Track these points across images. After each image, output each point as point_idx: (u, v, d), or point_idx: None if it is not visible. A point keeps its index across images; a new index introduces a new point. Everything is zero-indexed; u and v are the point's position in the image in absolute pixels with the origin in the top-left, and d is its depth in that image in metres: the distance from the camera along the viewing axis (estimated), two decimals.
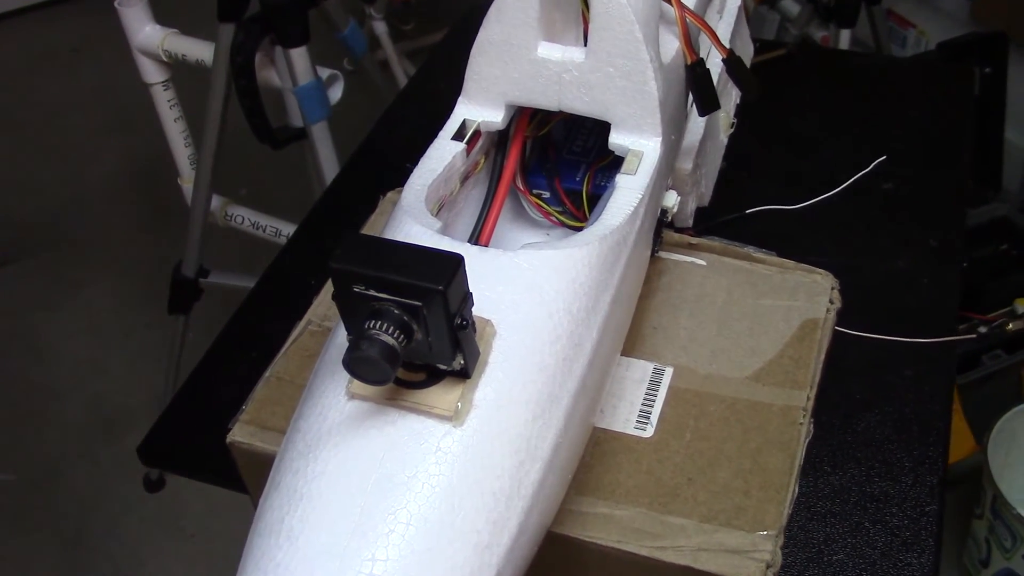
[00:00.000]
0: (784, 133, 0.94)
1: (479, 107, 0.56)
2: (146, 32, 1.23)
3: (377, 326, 0.39)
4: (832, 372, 0.71)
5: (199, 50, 1.21)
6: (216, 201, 1.34)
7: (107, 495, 1.61)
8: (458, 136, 0.55)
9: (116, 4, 1.22)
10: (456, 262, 0.40)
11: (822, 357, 0.55)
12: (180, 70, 1.28)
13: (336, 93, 1.17)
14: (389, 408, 0.43)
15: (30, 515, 1.59)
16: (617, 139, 0.54)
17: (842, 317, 0.73)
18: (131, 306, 1.88)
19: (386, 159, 0.93)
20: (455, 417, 0.42)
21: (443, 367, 0.42)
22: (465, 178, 0.56)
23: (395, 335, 0.39)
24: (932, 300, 0.78)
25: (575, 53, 0.53)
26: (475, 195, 0.58)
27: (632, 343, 0.57)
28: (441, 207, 0.54)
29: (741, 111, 0.86)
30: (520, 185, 0.60)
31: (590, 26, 0.52)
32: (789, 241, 0.82)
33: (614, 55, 0.52)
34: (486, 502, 0.42)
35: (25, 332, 1.86)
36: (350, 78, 1.20)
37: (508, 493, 0.42)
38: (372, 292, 0.40)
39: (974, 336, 0.72)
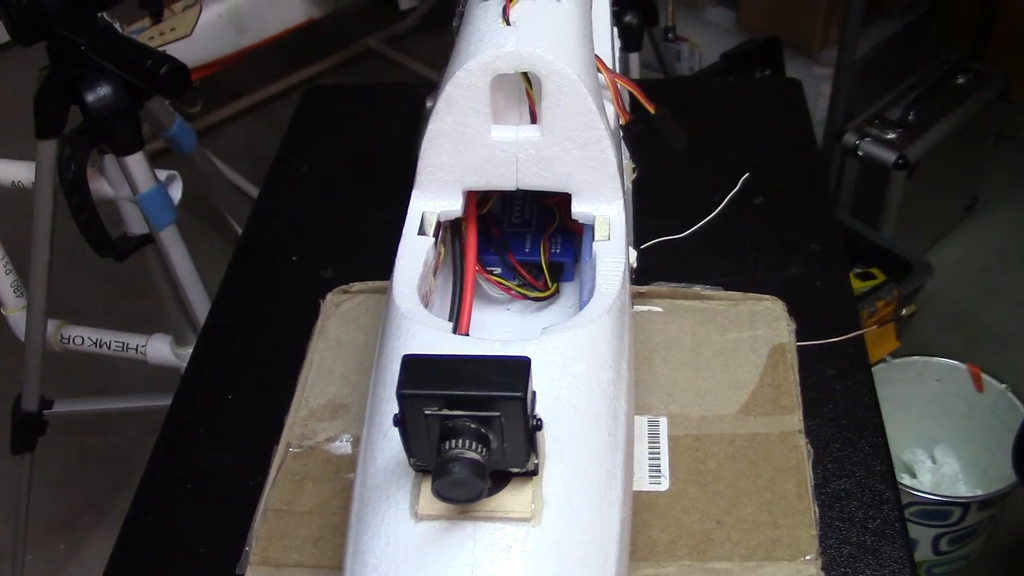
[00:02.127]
0: (653, 166, 0.98)
1: (436, 197, 0.56)
2: None
3: (458, 444, 0.39)
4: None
5: (14, 171, 1.13)
6: (50, 325, 1.25)
7: None
8: (422, 231, 0.55)
9: None
10: (526, 366, 0.39)
11: (797, 377, 0.58)
12: None
13: (176, 193, 1.12)
14: (463, 522, 0.42)
15: None
16: (580, 208, 0.55)
17: None
18: None
19: (269, 255, 0.90)
20: (532, 517, 0.42)
21: (516, 470, 0.42)
22: (435, 271, 0.56)
23: (478, 449, 0.39)
24: (830, 299, 0.84)
25: (529, 132, 0.54)
26: (439, 285, 0.58)
27: None
28: (426, 304, 0.53)
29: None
30: (476, 266, 0.60)
31: (541, 104, 0.53)
32: (688, 267, 0.86)
33: (569, 128, 0.53)
34: None
35: None
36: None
37: None
38: (444, 412, 0.39)
39: (875, 327, 0.78)
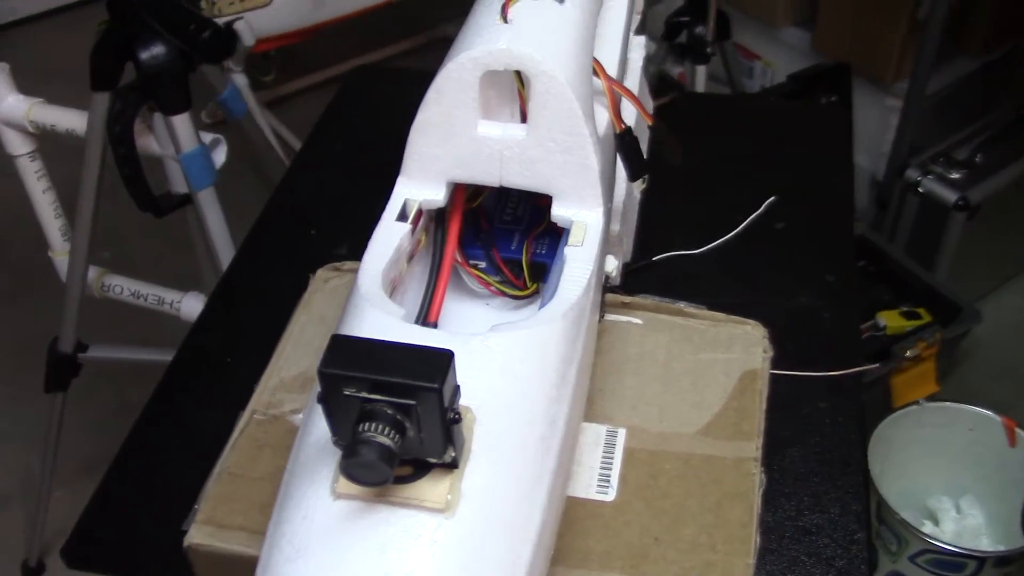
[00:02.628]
0: (678, 179, 0.97)
1: (420, 186, 0.56)
2: (9, 103, 1.18)
3: (372, 428, 0.39)
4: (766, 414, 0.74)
5: (69, 119, 1.17)
6: (92, 272, 1.29)
7: None
8: (402, 217, 0.56)
9: None
10: (448, 359, 0.40)
11: (764, 406, 0.58)
12: (43, 138, 1.23)
13: (220, 157, 1.14)
14: (379, 505, 0.42)
15: None
16: (559, 211, 0.56)
17: None
18: None
19: (290, 227, 0.92)
20: (447, 508, 0.42)
21: (433, 460, 0.42)
22: (410, 258, 0.56)
23: (390, 435, 0.39)
24: (835, 332, 0.83)
25: (515, 130, 0.54)
26: (418, 272, 0.58)
27: None
28: (393, 289, 0.54)
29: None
30: (458, 258, 0.61)
31: (529, 104, 0.53)
32: (697, 284, 0.86)
33: (554, 131, 0.53)
34: None
35: None
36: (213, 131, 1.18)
37: None
38: (364, 394, 0.40)
39: (877, 365, 0.76)
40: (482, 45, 0.52)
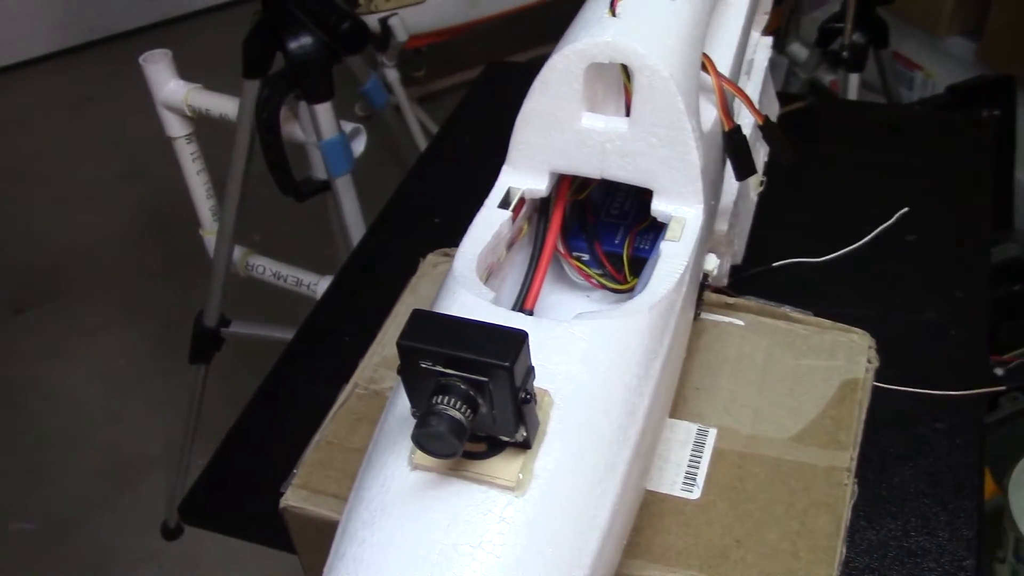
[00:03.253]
0: (806, 185, 0.95)
1: (524, 175, 0.57)
2: (170, 87, 1.25)
3: (444, 401, 0.41)
4: (865, 427, 0.72)
5: (222, 105, 1.23)
6: (237, 251, 1.36)
7: (125, 543, 1.62)
8: (504, 204, 0.57)
9: (141, 60, 1.24)
10: (521, 339, 0.41)
11: (863, 417, 0.56)
12: (200, 122, 1.30)
13: (359, 146, 1.18)
14: (452, 479, 0.44)
15: (47, 564, 1.59)
16: (659, 206, 0.56)
17: None
18: (144, 354, 1.90)
19: (415, 215, 0.94)
20: (517, 487, 0.43)
21: (505, 439, 0.43)
22: (510, 245, 0.58)
23: (462, 409, 0.41)
24: (961, 351, 0.79)
25: (618, 123, 0.54)
26: (518, 260, 0.59)
27: (675, 404, 0.58)
28: (490, 274, 0.55)
29: (766, 167, 0.88)
30: (560, 249, 0.61)
31: (633, 98, 0.53)
32: (816, 294, 0.84)
33: (657, 125, 0.54)
34: (548, 571, 0.42)
35: (40, 380, 1.87)
36: (363, 124, 1.22)
37: (569, 562, 0.43)
38: (439, 368, 0.41)
39: (1003, 388, 0.73)
40: (588, 38, 0.53)
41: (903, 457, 0.72)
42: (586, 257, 0.62)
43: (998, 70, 1.69)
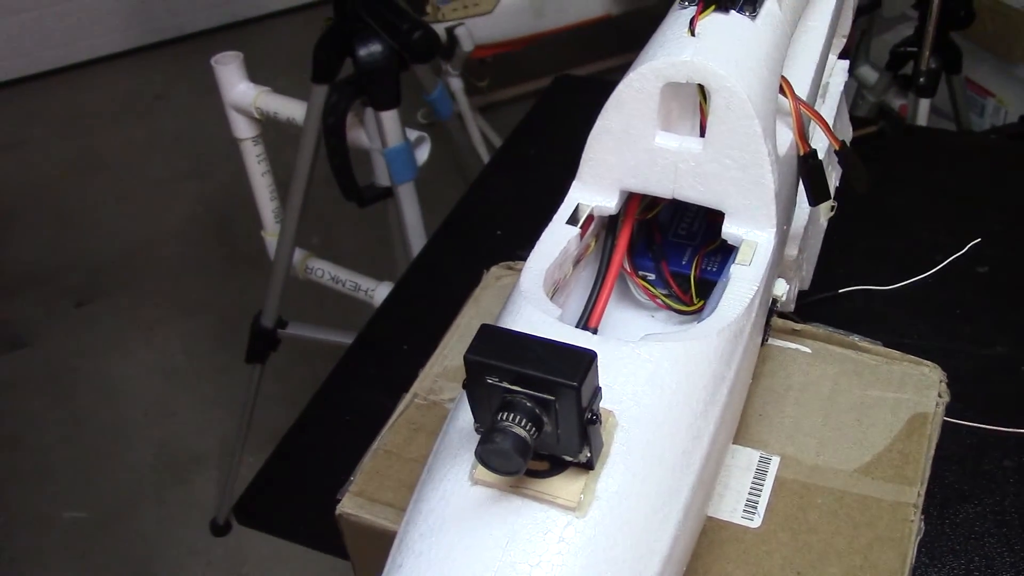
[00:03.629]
0: (876, 212, 0.94)
1: (593, 192, 0.57)
2: (240, 89, 1.26)
3: (510, 418, 0.40)
4: (932, 461, 0.71)
5: (290, 109, 1.24)
6: (298, 254, 1.37)
7: (173, 537, 1.64)
8: (572, 220, 0.56)
9: (212, 61, 1.26)
10: (590, 359, 0.40)
11: (932, 453, 0.55)
12: (266, 124, 1.32)
13: (423, 155, 1.19)
14: (513, 496, 0.43)
15: (98, 554, 1.61)
16: (731, 228, 0.55)
17: None
18: (201, 351, 1.92)
19: (477, 225, 0.94)
20: (579, 508, 0.43)
21: (569, 459, 0.43)
22: (577, 261, 0.57)
23: (527, 427, 0.40)
24: None
25: (692, 143, 0.54)
26: (584, 277, 0.59)
27: (738, 430, 0.57)
28: (555, 290, 0.55)
29: (836, 192, 0.86)
30: (627, 267, 0.61)
31: (708, 118, 0.53)
32: (882, 323, 0.82)
33: (732, 147, 0.53)
34: None
35: (98, 372, 1.90)
36: (426, 132, 1.23)
37: None
38: (505, 384, 0.41)
39: None
40: (665, 57, 0.53)
41: (968, 494, 0.70)
42: (652, 277, 0.62)
43: None
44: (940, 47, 1.58)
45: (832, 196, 0.76)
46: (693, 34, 0.53)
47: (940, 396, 0.57)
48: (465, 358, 0.41)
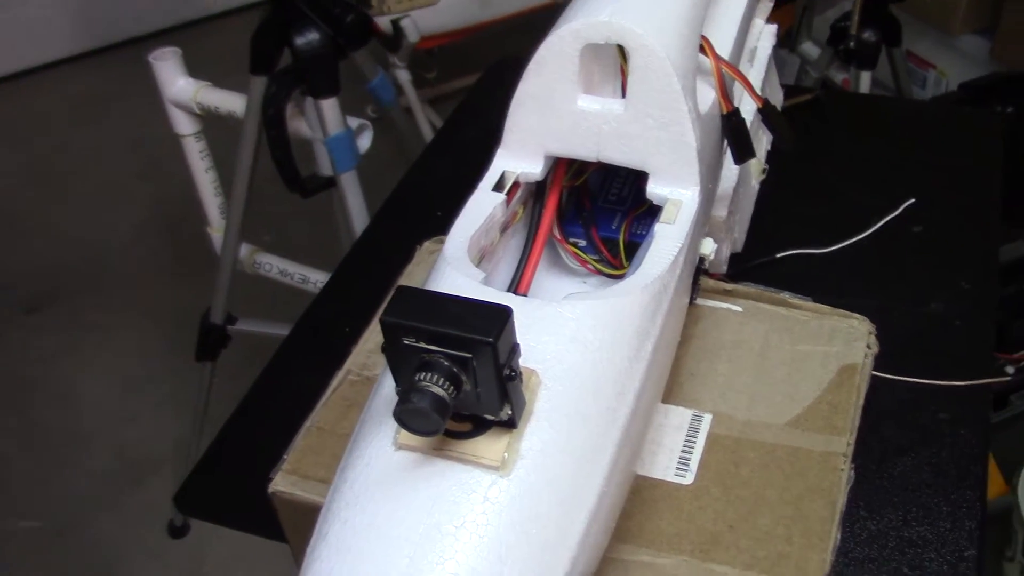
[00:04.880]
0: (812, 177, 0.94)
1: (518, 158, 0.57)
2: (179, 85, 1.25)
3: (427, 378, 0.40)
4: (866, 416, 0.71)
5: (231, 102, 1.23)
6: (244, 249, 1.36)
7: (132, 542, 1.62)
8: (498, 187, 0.56)
9: (150, 58, 1.24)
10: (506, 314, 0.40)
11: (861, 402, 0.55)
12: (209, 120, 1.30)
13: (365, 142, 1.18)
14: (436, 458, 0.43)
15: (55, 562, 1.59)
16: (655, 189, 0.55)
17: (876, 360, 0.73)
18: (156, 352, 1.90)
19: (417, 208, 0.94)
20: (502, 467, 0.42)
21: (490, 417, 0.43)
22: (504, 228, 0.57)
23: (445, 386, 0.40)
24: (966, 342, 0.78)
25: (614, 105, 0.54)
26: (513, 245, 0.59)
27: (670, 390, 0.57)
28: (482, 258, 0.54)
29: (769, 156, 0.87)
30: (557, 234, 0.61)
31: (628, 79, 0.53)
32: (820, 285, 0.83)
33: (652, 107, 0.53)
34: (533, 552, 0.42)
35: (52, 378, 1.88)
36: (374, 125, 1.22)
37: (554, 543, 0.42)
38: (422, 344, 0.40)
39: (1009, 378, 0.72)
40: (584, 18, 0.53)
41: (906, 448, 0.71)
42: (583, 243, 0.62)
43: (1012, 67, 1.67)
44: (879, 20, 1.59)
45: (762, 159, 0.76)
46: None
47: (869, 347, 0.58)
48: (380, 320, 0.41)
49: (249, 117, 1.18)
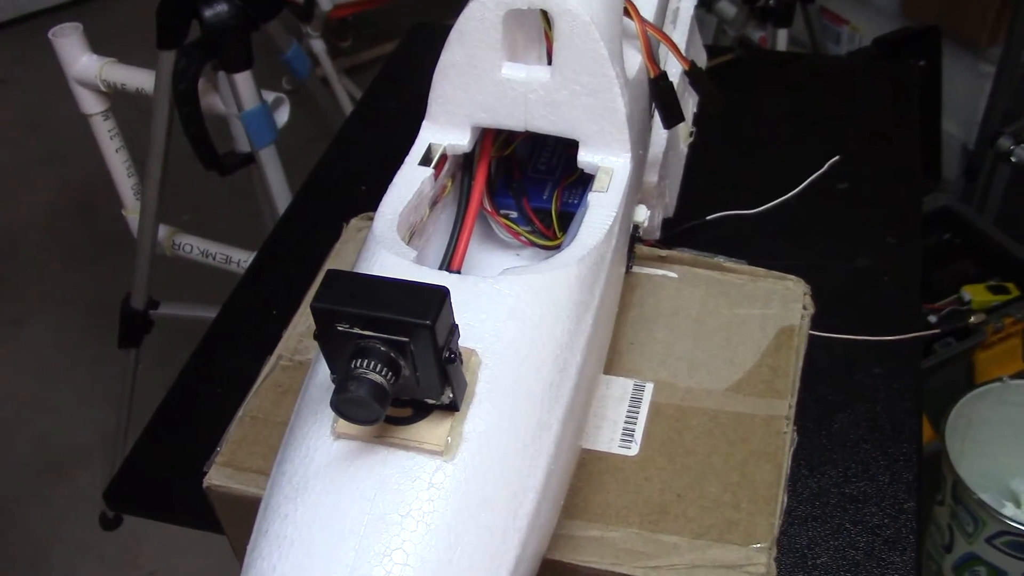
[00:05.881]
0: (738, 138, 0.94)
1: (444, 130, 0.55)
2: (83, 62, 1.20)
3: (364, 364, 0.39)
4: (803, 375, 0.72)
5: (139, 78, 1.18)
6: (163, 231, 1.32)
7: (62, 536, 1.57)
8: (425, 161, 0.54)
9: (50, 35, 1.19)
10: (442, 295, 0.39)
11: (800, 364, 0.55)
12: (118, 99, 1.26)
13: (282, 116, 1.15)
14: (378, 446, 0.42)
15: None
16: (586, 157, 0.54)
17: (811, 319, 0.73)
18: (74, 341, 1.84)
19: (341, 183, 0.91)
20: (446, 451, 0.41)
21: (431, 401, 0.41)
22: (434, 203, 0.55)
23: (383, 372, 0.39)
24: (895, 297, 0.79)
25: (540, 72, 0.53)
26: (444, 219, 0.57)
27: (610, 360, 0.57)
28: (412, 234, 0.53)
29: (696, 119, 0.86)
30: (488, 207, 0.60)
31: (554, 45, 0.52)
32: (750, 245, 0.83)
33: (579, 73, 0.52)
34: (482, 536, 0.41)
35: None
36: (291, 98, 1.19)
37: (503, 526, 0.41)
38: (356, 330, 0.39)
39: (937, 331, 0.73)
40: None
41: (842, 404, 0.71)
42: (515, 215, 0.60)
43: (923, 22, 1.70)
44: None
45: (690, 122, 0.76)
46: None
47: (805, 308, 0.58)
48: (311, 306, 0.39)
49: (159, 94, 1.13)
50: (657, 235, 0.67)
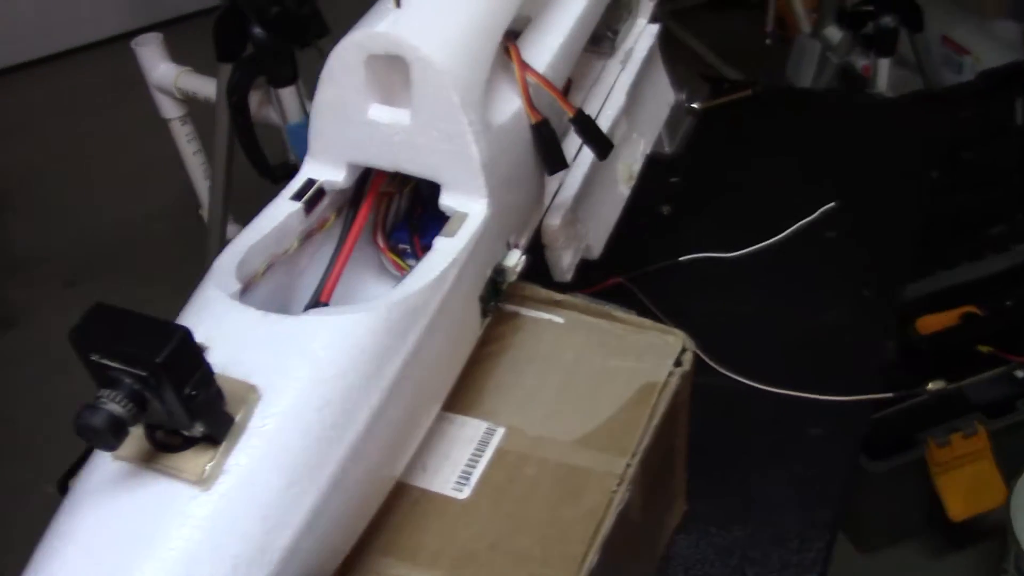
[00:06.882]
0: (737, 176, 0.92)
1: (322, 166, 0.57)
2: (161, 70, 1.28)
3: (108, 395, 0.41)
4: (736, 427, 0.70)
5: (208, 88, 1.25)
6: (233, 229, 1.39)
7: None
8: (297, 196, 0.56)
9: (132, 44, 1.27)
10: (181, 335, 0.40)
11: (655, 423, 0.54)
12: (198, 107, 1.33)
13: None
14: (145, 471, 0.44)
15: None
16: (446, 200, 0.54)
17: (754, 370, 0.71)
18: None
19: None
20: (203, 482, 0.43)
21: (186, 433, 0.43)
22: (308, 236, 0.57)
23: (123, 404, 0.41)
24: (856, 356, 0.76)
25: (401, 116, 0.53)
26: (325, 252, 0.59)
27: (471, 401, 0.57)
28: (270, 265, 0.55)
29: (696, 152, 0.85)
30: (380, 242, 0.61)
31: (411, 90, 0.52)
32: (720, 289, 0.81)
33: (436, 118, 0.52)
34: (224, 568, 0.42)
35: None
36: None
37: (249, 559, 0.43)
38: (106, 361, 0.41)
39: (890, 396, 0.69)
40: (365, 28, 0.52)
41: (767, 462, 0.69)
42: (408, 249, 0.61)
43: None
44: (898, 4, 1.53)
45: (640, 163, 0.75)
46: (398, 5, 0.53)
47: (678, 364, 0.56)
48: (68, 335, 0.41)
49: (219, 103, 1.20)
50: (568, 277, 0.66)
